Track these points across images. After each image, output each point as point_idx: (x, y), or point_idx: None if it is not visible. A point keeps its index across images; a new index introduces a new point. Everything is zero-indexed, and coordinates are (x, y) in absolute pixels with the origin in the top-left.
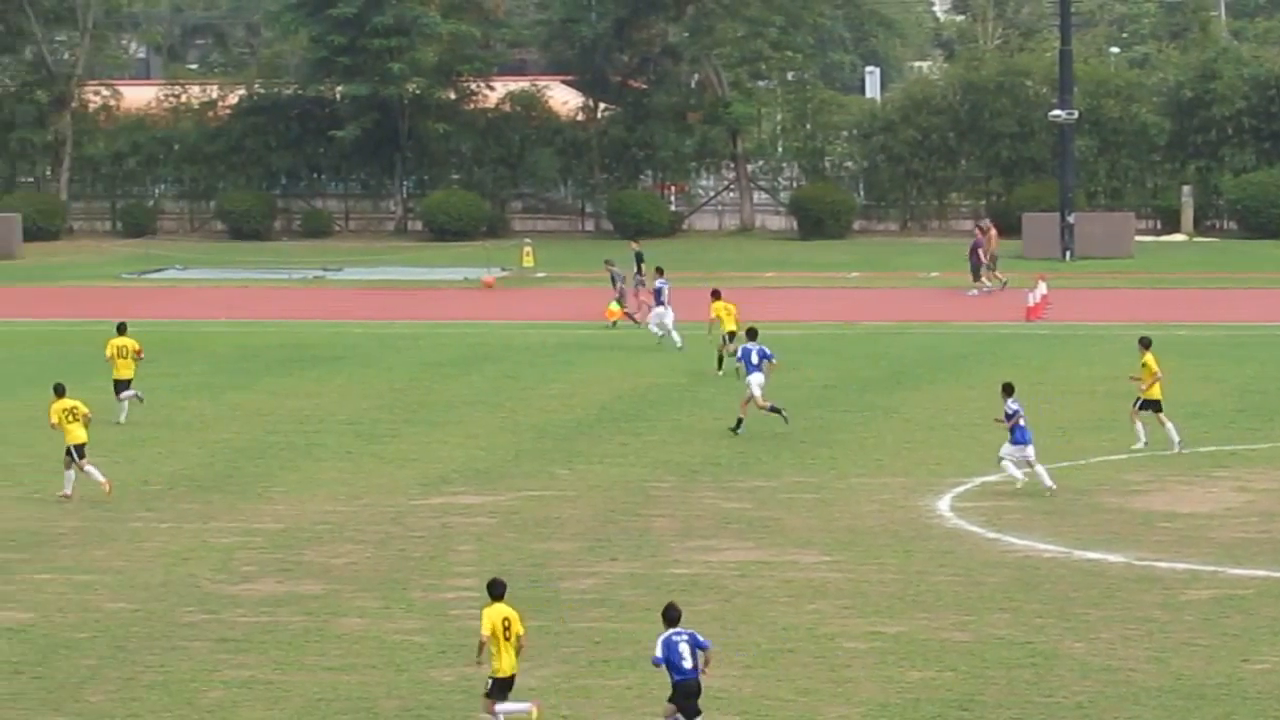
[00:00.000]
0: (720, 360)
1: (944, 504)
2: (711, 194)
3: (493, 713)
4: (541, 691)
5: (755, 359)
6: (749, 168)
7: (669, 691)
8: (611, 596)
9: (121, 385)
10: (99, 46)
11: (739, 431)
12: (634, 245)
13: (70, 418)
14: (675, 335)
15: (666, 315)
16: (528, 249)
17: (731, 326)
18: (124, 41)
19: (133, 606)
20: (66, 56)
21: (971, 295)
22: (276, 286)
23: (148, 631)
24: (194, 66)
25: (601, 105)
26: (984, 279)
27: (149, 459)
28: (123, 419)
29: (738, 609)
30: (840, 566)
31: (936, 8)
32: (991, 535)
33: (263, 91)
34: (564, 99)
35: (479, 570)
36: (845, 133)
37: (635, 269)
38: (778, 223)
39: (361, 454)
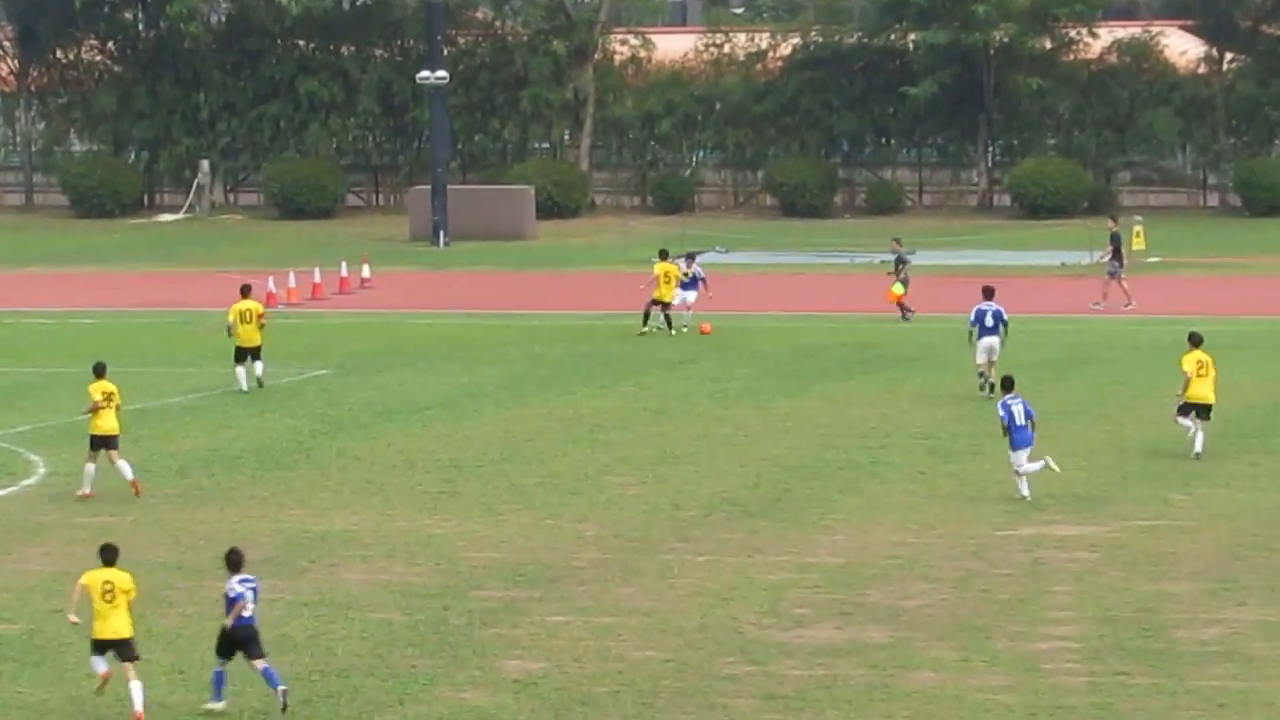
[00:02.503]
0: (645, 318)
1: None
2: None
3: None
4: None
5: (990, 321)
6: None
7: None
8: (1239, 649)
9: (245, 353)
10: None
11: (986, 394)
12: (1112, 224)
13: (108, 402)
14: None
15: (689, 298)
16: (1138, 228)
17: (668, 295)
18: None
19: (663, 655)
20: (589, 0)
21: None
22: (837, 273)
23: (680, 686)
24: (739, 11)
25: (1228, 55)
26: None
27: (682, 479)
28: (245, 387)
29: None
30: None
31: None
32: None
33: (821, 40)
34: (1182, 48)
35: (1079, 616)
36: None
37: (1113, 251)
38: None
39: (937, 474)
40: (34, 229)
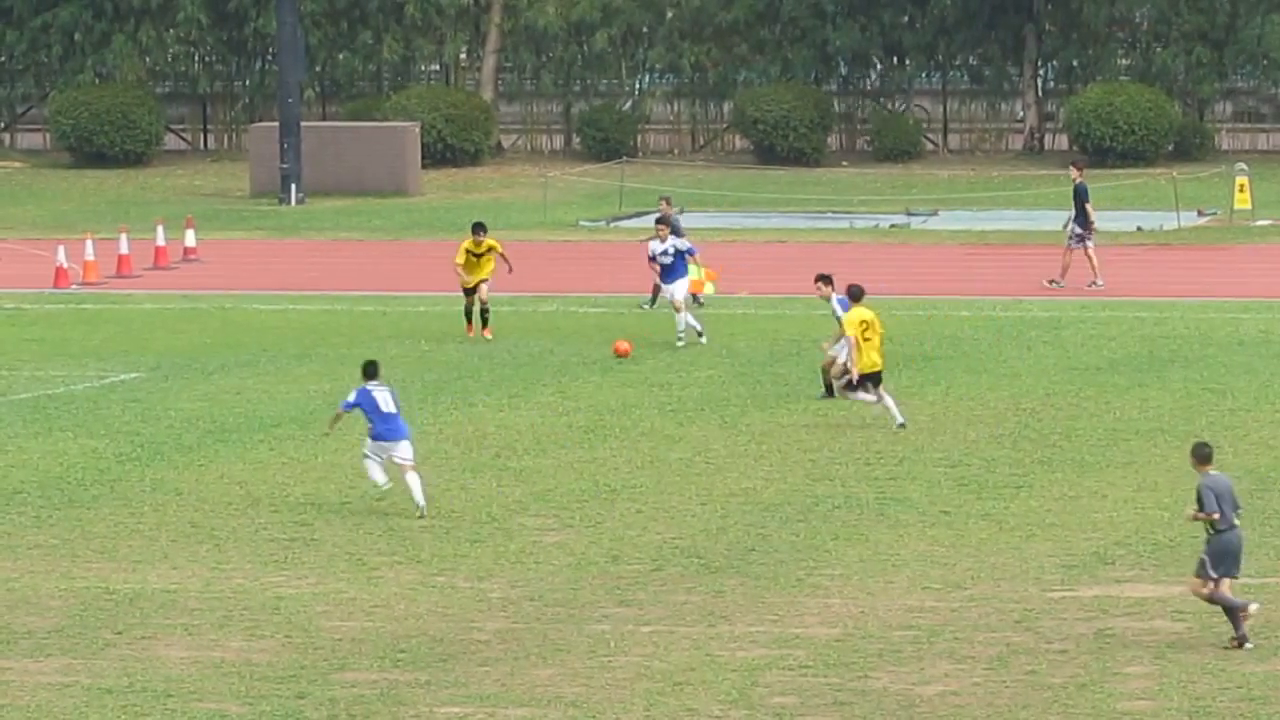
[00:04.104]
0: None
1: None
2: None
3: None
4: None
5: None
6: None
7: None
8: None
9: None
10: None
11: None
12: (1075, 174)
13: None
14: (687, 320)
15: (677, 293)
16: (1241, 180)
17: (470, 280)
18: None
19: None
20: None
21: None
22: (830, 241)
23: None
24: None
25: None
26: None
27: (622, 521)
28: None
29: None
30: None
31: None
32: None
33: None
34: None
35: (1160, 707)
36: None
37: (1077, 210)
38: None
39: (966, 514)
40: None
